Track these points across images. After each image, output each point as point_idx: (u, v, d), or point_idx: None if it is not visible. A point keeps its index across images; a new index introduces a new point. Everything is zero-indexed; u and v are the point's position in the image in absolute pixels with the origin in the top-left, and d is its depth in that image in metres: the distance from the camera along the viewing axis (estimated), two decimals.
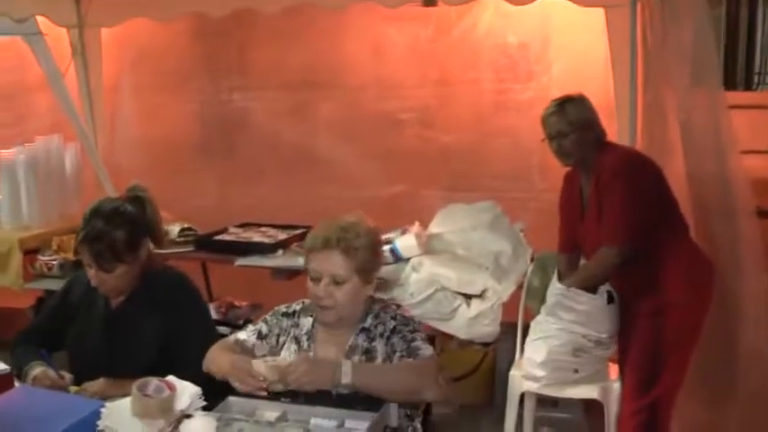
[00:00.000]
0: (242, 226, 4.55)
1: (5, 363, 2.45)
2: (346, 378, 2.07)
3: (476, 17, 4.25)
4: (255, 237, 4.28)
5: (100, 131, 4.97)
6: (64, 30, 4.63)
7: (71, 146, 4.89)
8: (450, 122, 4.41)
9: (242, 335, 2.40)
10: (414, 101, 4.47)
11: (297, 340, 2.35)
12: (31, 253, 4.48)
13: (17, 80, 5.25)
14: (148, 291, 2.57)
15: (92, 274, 2.51)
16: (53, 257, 4.37)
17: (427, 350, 2.22)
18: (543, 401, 3.49)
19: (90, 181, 4.97)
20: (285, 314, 2.42)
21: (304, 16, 4.41)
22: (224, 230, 4.45)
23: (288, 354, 2.32)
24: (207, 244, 4.32)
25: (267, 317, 2.44)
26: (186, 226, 4.45)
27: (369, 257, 2.26)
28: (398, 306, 2.39)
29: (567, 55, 4.10)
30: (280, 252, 4.04)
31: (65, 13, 4.53)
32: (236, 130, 5.02)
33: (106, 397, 2.22)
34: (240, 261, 4.01)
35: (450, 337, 3.59)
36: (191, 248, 4.33)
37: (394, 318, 2.30)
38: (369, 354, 2.24)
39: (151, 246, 2.64)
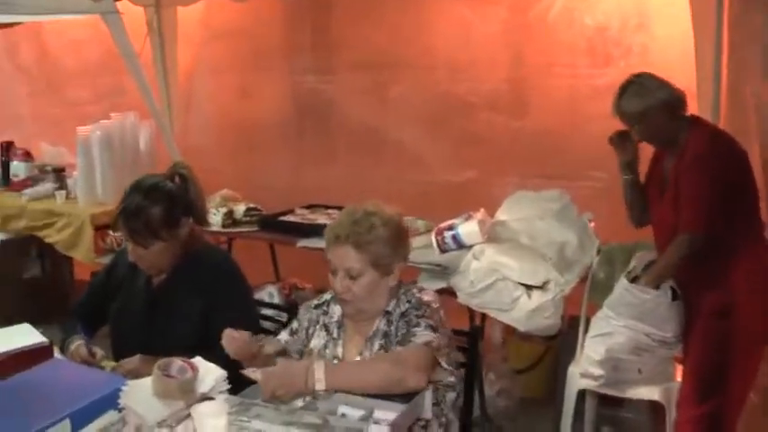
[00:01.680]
0: (309, 207, 4.59)
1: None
2: (320, 384, 2.05)
3: None
4: (320, 219, 4.30)
5: (174, 111, 5.08)
6: (140, 9, 4.73)
7: (146, 124, 5.02)
8: (522, 107, 4.33)
9: (281, 336, 2.43)
10: (487, 84, 4.41)
11: (327, 328, 2.37)
12: (102, 228, 4.63)
13: (98, 58, 5.42)
14: (190, 270, 2.59)
15: (130, 249, 2.55)
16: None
17: (422, 336, 2.15)
18: (608, 399, 3.40)
19: (164, 159, 5.07)
20: (315, 306, 2.44)
21: None
22: (290, 211, 4.50)
23: (317, 341, 2.34)
24: (270, 224, 4.38)
25: (300, 310, 2.47)
26: (252, 206, 4.52)
27: (385, 251, 2.22)
28: (421, 289, 2.31)
29: (646, 37, 3.96)
30: None
31: None
32: (309, 111, 5.06)
33: (141, 375, 2.26)
34: (302, 242, 4.05)
35: (512, 328, 3.54)
36: (255, 228, 4.40)
37: (409, 301, 2.27)
38: (387, 337, 2.23)
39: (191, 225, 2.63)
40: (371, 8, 4.60)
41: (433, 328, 2.17)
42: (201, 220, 2.69)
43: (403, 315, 2.23)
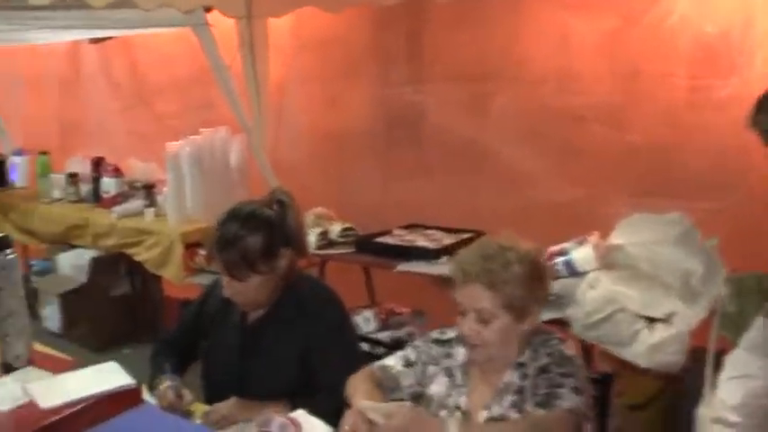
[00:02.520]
0: (407, 227, 4.41)
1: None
2: None
3: (669, 4, 3.87)
4: (419, 240, 4.12)
5: (265, 124, 4.98)
6: (230, 21, 4.65)
7: (237, 138, 4.95)
8: (638, 121, 4.05)
9: (389, 360, 2.26)
10: (598, 96, 4.14)
11: (449, 373, 2.16)
12: (192, 246, 4.56)
13: (188, 72, 5.38)
14: (289, 305, 2.44)
15: (225, 282, 2.39)
16: None
17: (567, 400, 1.94)
18: None
19: (254, 175, 5.01)
20: (437, 341, 2.23)
21: (478, 4, 4.21)
22: (387, 232, 4.33)
23: (438, 388, 2.14)
24: (367, 246, 4.21)
25: (418, 342, 2.27)
26: (347, 226, 4.37)
27: (521, 292, 2.00)
28: (561, 340, 2.09)
29: None
30: (444, 258, 3.84)
31: (233, 4, 4.56)
32: (404, 125, 4.89)
33: (234, 421, 2.13)
34: (401, 267, 3.87)
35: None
36: (351, 249, 4.25)
37: (550, 354, 2.04)
38: (521, 394, 2.03)
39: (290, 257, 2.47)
40: (467, 16, 4.40)
41: (579, 391, 1.96)
42: (301, 250, 2.51)
43: (543, 371, 2.01)
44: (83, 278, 5.35)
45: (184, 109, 5.53)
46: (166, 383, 2.38)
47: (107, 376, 2.01)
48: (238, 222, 2.36)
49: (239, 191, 5.05)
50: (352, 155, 5.00)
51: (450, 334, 2.21)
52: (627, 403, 3.69)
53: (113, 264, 5.38)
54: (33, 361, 2.19)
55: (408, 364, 2.22)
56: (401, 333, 4.08)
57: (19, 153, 6.30)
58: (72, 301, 5.47)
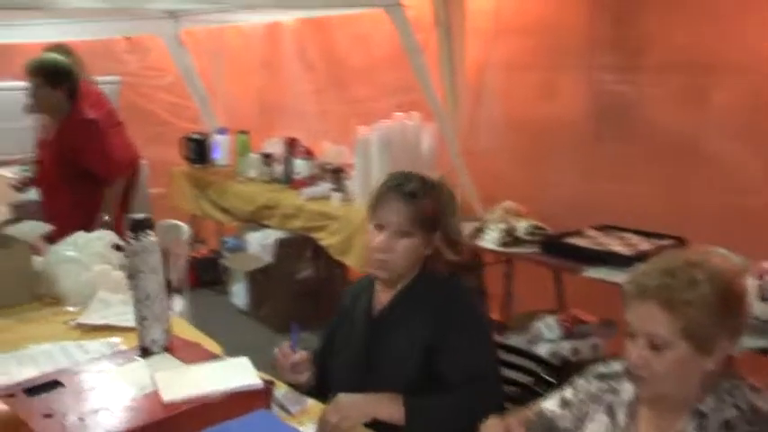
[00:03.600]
0: (602, 229, 4.06)
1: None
2: None
3: None
4: (613, 244, 3.78)
5: (459, 110, 4.79)
6: (427, 1, 4.49)
7: (429, 124, 4.81)
8: None
9: (547, 402, 1.99)
10: None
11: (611, 411, 1.84)
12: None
13: (384, 54, 5.29)
14: (420, 293, 2.29)
15: (381, 240, 2.27)
16: None
17: None
18: None
19: (446, 163, 4.84)
20: (600, 375, 1.90)
21: None
22: (579, 232, 4.01)
23: (596, 428, 1.83)
24: (555, 246, 3.92)
25: (578, 378, 1.96)
26: (535, 223, 4.10)
27: (708, 319, 1.63)
28: (754, 388, 1.70)
29: None
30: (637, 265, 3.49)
31: None
32: (610, 117, 4.52)
33: (354, 421, 2.02)
34: (589, 272, 3.56)
35: None
36: (537, 249, 3.97)
37: (738, 406, 1.65)
38: None
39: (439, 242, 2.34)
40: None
41: None
42: (453, 244, 2.36)
43: (727, 426, 1.64)
44: (269, 258, 5.40)
45: (378, 92, 5.45)
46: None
47: (236, 373, 1.92)
48: (418, 182, 2.31)
49: None
50: (551, 147, 4.69)
51: (618, 366, 1.87)
52: None
53: (299, 246, 5.40)
54: (171, 347, 2.13)
55: (565, 404, 1.94)
56: (585, 344, 3.78)
57: (222, 132, 6.48)
58: (259, 280, 5.56)
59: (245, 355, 2.03)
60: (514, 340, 4.14)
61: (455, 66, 4.68)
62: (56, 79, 4.24)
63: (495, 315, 4.54)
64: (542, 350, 3.86)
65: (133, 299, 2.15)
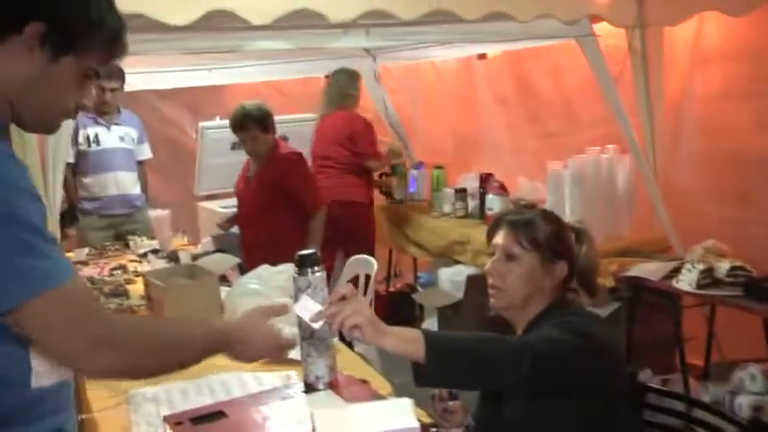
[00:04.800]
0: None
1: None
2: None
3: None
4: None
5: (658, 144, 4.64)
6: (621, 31, 4.40)
7: (625, 159, 4.71)
8: None
9: None
10: None
11: None
12: None
13: (577, 86, 5.24)
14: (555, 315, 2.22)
15: (492, 265, 2.27)
16: None
17: None
18: None
19: (643, 200, 4.69)
20: None
21: None
22: None
23: None
24: (757, 290, 3.67)
25: None
26: (738, 264, 3.85)
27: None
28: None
29: None
30: None
31: (623, 12, 4.31)
32: None
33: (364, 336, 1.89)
34: None
35: None
36: (738, 292, 3.74)
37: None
38: None
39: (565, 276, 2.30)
40: None
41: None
42: (592, 290, 2.34)
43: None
44: (460, 295, 5.41)
45: (572, 125, 5.39)
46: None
47: (394, 414, 1.94)
48: (533, 210, 2.38)
49: (623, 216, 4.81)
50: (758, 182, 4.42)
51: None
52: None
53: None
54: (336, 384, 2.19)
55: None
56: None
57: (418, 166, 6.62)
58: (449, 316, 5.59)
59: (422, 395, 2.06)
60: (714, 390, 3.93)
61: (652, 97, 4.56)
62: (267, 124, 4.63)
63: (695, 361, 4.32)
64: (743, 402, 3.63)
65: (298, 335, 2.19)
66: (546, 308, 2.24)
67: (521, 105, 5.94)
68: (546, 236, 2.25)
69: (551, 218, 2.33)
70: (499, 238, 2.27)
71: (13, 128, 1.56)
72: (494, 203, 5.48)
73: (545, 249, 2.24)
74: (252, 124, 4.58)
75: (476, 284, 5.38)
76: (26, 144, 3.15)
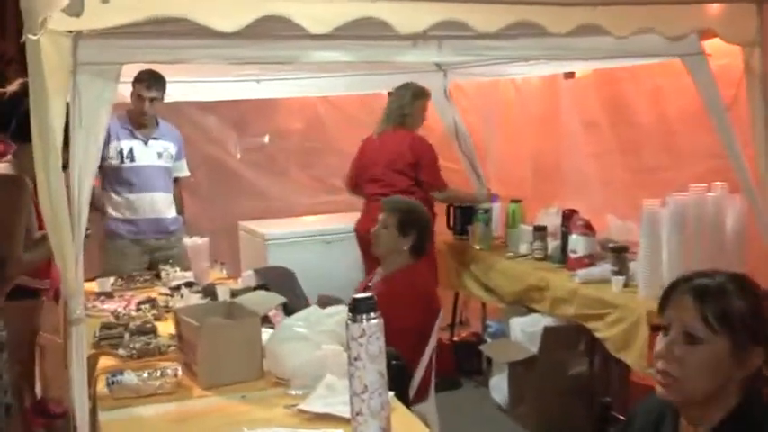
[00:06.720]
0: None
1: None
2: None
3: None
4: None
5: None
6: (734, 48, 4.18)
7: (735, 199, 4.52)
8: None
9: None
10: None
11: None
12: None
13: (681, 112, 5.07)
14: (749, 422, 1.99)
15: (662, 344, 2.04)
16: None
17: None
18: None
19: (756, 247, 4.44)
20: None
21: None
22: None
23: None
24: None
25: None
26: None
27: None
28: None
29: None
30: None
31: (740, 27, 4.06)
32: None
33: None
34: None
35: None
36: None
37: None
38: None
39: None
40: None
41: None
42: None
43: None
44: (534, 349, 5.23)
45: (672, 158, 5.18)
46: None
47: None
48: (723, 277, 2.06)
49: (732, 267, 4.50)
50: None
51: None
52: None
53: (571, 336, 5.20)
54: None
55: None
56: None
57: (493, 199, 6.45)
58: (520, 374, 5.42)
59: None
60: None
61: None
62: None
63: None
64: None
65: (350, 390, 2.17)
66: (735, 408, 2.01)
67: (612, 133, 5.74)
68: (741, 313, 1.99)
69: (745, 287, 2.05)
70: (678, 311, 2.03)
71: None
72: (578, 245, 5.30)
73: (739, 331, 1.98)
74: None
75: (554, 338, 5.23)
76: (49, 150, 3.03)
